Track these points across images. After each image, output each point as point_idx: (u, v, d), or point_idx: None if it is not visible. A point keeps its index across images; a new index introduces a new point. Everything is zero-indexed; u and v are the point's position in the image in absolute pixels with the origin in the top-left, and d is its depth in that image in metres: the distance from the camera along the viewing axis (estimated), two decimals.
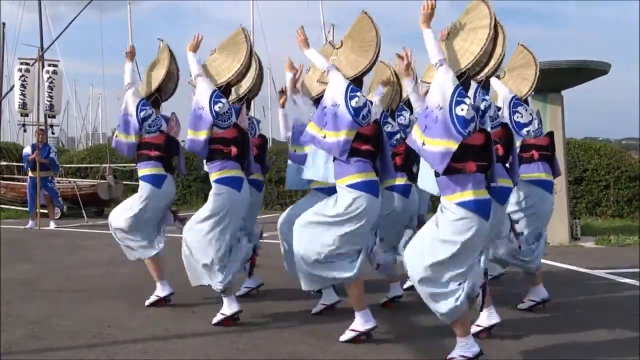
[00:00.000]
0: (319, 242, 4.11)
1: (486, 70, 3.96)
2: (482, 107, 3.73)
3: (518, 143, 4.70)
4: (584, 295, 5.76)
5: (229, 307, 4.62)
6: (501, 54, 3.82)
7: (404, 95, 5.32)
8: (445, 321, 3.66)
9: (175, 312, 5.05)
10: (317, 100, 4.48)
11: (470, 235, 3.50)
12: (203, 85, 4.67)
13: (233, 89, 5.15)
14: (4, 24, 15.97)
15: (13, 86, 12.70)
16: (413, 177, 5.03)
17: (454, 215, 3.53)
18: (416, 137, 3.61)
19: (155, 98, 5.38)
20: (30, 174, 11.34)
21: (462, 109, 3.44)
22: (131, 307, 5.18)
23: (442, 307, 3.58)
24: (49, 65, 12.48)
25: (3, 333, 4.42)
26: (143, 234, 5.27)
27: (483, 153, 3.57)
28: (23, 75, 12.20)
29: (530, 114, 4.92)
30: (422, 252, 3.62)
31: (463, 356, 3.62)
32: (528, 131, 4.89)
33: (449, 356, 3.67)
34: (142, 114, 5.21)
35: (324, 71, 4.27)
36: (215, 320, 4.62)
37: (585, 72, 8.65)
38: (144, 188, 5.23)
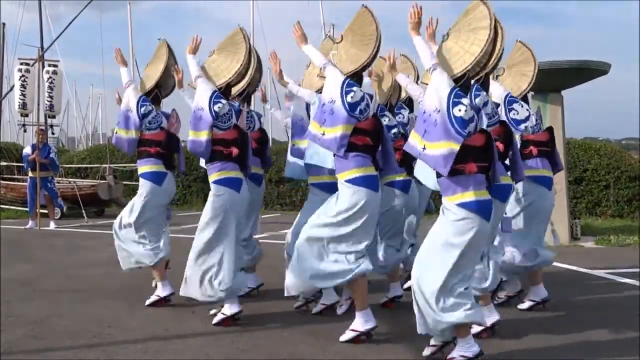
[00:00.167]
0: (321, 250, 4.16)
1: (485, 70, 3.98)
2: (476, 102, 3.73)
3: (517, 139, 4.69)
4: (584, 295, 5.76)
5: (229, 308, 4.62)
6: (499, 50, 3.82)
7: (403, 93, 5.32)
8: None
9: (175, 312, 5.05)
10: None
11: (471, 235, 3.52)
12: (203, 87, 4.66)
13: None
14: (4, 24, 15.95)
15: (13, 86, 12.71)
16: (413, 172, 5.04)
17: (455, 215, 3.55)
18: (415, 143, 3.62)
19: (155, 94, 5.38)
20: (30, 174, 11.33)
21: (459, 110, 3.45)
22: (131, 307, 5.18)
23: (460, 315, 3.57)
24: (49, 65, 12.50)
25: (3, 333, 4.42)
26: (148, 235, 5.26)
27: (484, 154, 3.58)
28: (23, 76, 12.21)
29: (527, 110, 4.91)
30: (432, 267, 3.59)
31: (463, 356, 3.62)
32: (526, 127, 4.89)
33: (449, 356, 3.67)
34: (142, 109, 5.21)
35: (321, 68, 4.28)
36: (215, 320, 4.62)
37: (585, 72, 8.65)
38: (144, 185, 5.23)
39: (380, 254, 5.01)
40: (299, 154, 4.97)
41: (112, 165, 14.53)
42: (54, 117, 12.97)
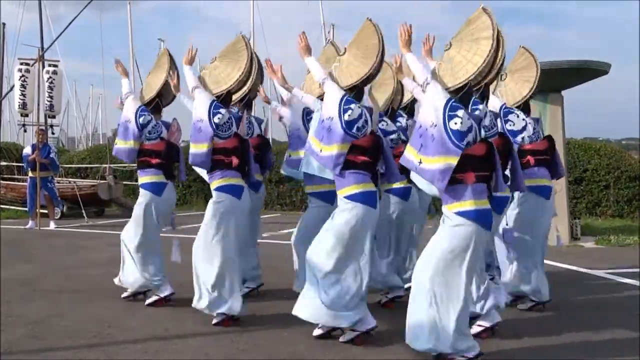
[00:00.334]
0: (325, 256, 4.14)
1: (485, 81, 3.99)
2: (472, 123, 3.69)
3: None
4: (584, 295, 5.76)
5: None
6: (500, 59, 3.83)
7: (406, 96, 5.32)
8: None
9: (175, 312, 5.05)
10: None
11: (470, 243, 3.53)
12: (201, 97, 4.65)
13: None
14: (4, 24, 15.97)
15: (13, 86, 12.71)
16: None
17: (452, 222, 3.58)
18: (411, 157, 3.64)
19: (156, 103, 5.38)
20: (30, 174, 11.32)
21: (455, 123, 3.47)
22: (131, 307, 5.18)
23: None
24: (49, 65, 12.49)
25: (3, 333, 4.42)
26: (154, 270, 5.24)
27: (484, 163, 3.59)
28: (23, 76, 12.20)
29: (523, 120, 4.90)
30: (452, 294, 3.59)
31: (463, 356, 3.62)
32: (523, 138, 4.90)
33: (450, 356, 3.67)
34: (141, 119, 5.22)
35: (320, 83, 4.29)
36: (215, 320, 4.62)
37: (585, 72, 8.65)
38: (144, 196, 5.25)
39: (383, 271, 5.04)
40: (295, 164, 5.00)
41: (112, 165, 14.52)
42: (54, 117, 12.96)
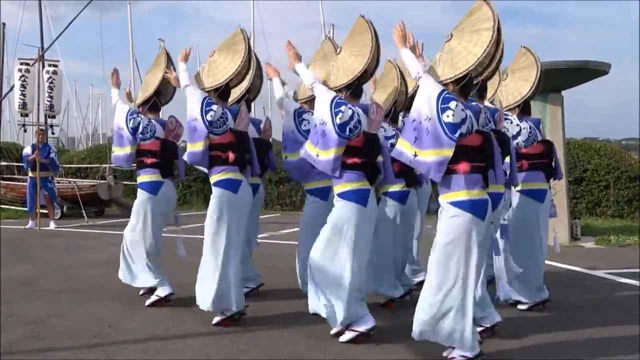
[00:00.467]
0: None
1: (485, 73, 3.98)
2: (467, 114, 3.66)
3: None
4: (584, 295, 5.76)
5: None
6: (500, 50, 3.82)
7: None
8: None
9: (175, 312, 5.05)
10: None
11: (467, 233, 3.54)
12: (193, 95, 4.64)
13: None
14: (4, 24, 15.96)
15: (13, 86, 12.72)
16: (412, 182, 5.03)
17: (448, 213, 3.61)
18: (404, 149, 3.66)
19: (154, 102, 5.38)
20: (30, 174, 11.33)
21: (448, 116, 3.49)
22: (131, 307, 5.18)
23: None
24: (49, 65, 12.49)
25: (3, 333, 4.42)
26: (152, 263, 5.25)
27: (479, 154, 3.59)
28: (23, 76, 12.20)
29: (517, 125, 4.89)
30: (457, 292, 3.59)
31: (463, 356, 3.62)
32: (517, 143, 4.90)
33: (450, 356, 3.67)
34: (131, 123, 5.25)
35: (310, 88, 4.33)
36: (215, 320, 4.62)
37: (585, 72, 8.65)
38: (140, 195, 5.29)
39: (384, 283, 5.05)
40: (291, 166, 5.02)
41: (112, 165, 14.50)
42: (54, 117, 12.97)
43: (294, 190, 14.24)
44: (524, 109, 5.04)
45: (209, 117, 4.54)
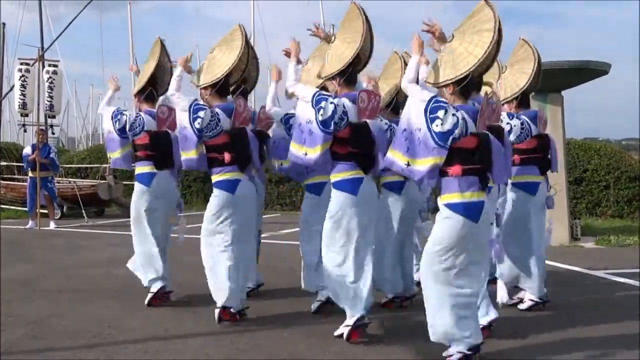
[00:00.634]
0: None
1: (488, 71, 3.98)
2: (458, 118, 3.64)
3: None
4: (584, 295, 5.76)
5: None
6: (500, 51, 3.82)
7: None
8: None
9: (175, 312, 5.05)
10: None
11: (458, 235, 3.54)
12: (179, 104, 4.64)
13: None
14: (4, 24, 15.96)
15: (13, 86, 12.72)
16: None
17: (442, 214, 3.63)
18: (396, 158, 3.69)
19: (150, 92, 5.36)
20: (30, 174, 11.33)
21: (437, 125, 3.51)
22: (131, 307, 5.18)
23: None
24: (49, 65, 12.50)
25: (3, 333, 4.42)
26: (147, 258, 5.23)
27: (474, 156, 3.60)
28: (23, 76, 12.21)
29: (507, 124, 4.87)
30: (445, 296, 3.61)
31: (460, 352, 3.63)
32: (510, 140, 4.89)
33: (447, 353, 3.68)
34: (117, 125, 5.27)
35: (290, 86, 4.38)
36: (217, 312, 4.60)
37: (585, 72, 8.64)
38: (135, 188, 5.32)
39: (387, 275, 5.04)
40: (286, 170, 5.03)
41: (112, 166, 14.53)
42: (54, 117, 12.98)
43: (294, 190, 14.24)
44: (521, 102, 5.01)
45: (197, 125, 4.50)
